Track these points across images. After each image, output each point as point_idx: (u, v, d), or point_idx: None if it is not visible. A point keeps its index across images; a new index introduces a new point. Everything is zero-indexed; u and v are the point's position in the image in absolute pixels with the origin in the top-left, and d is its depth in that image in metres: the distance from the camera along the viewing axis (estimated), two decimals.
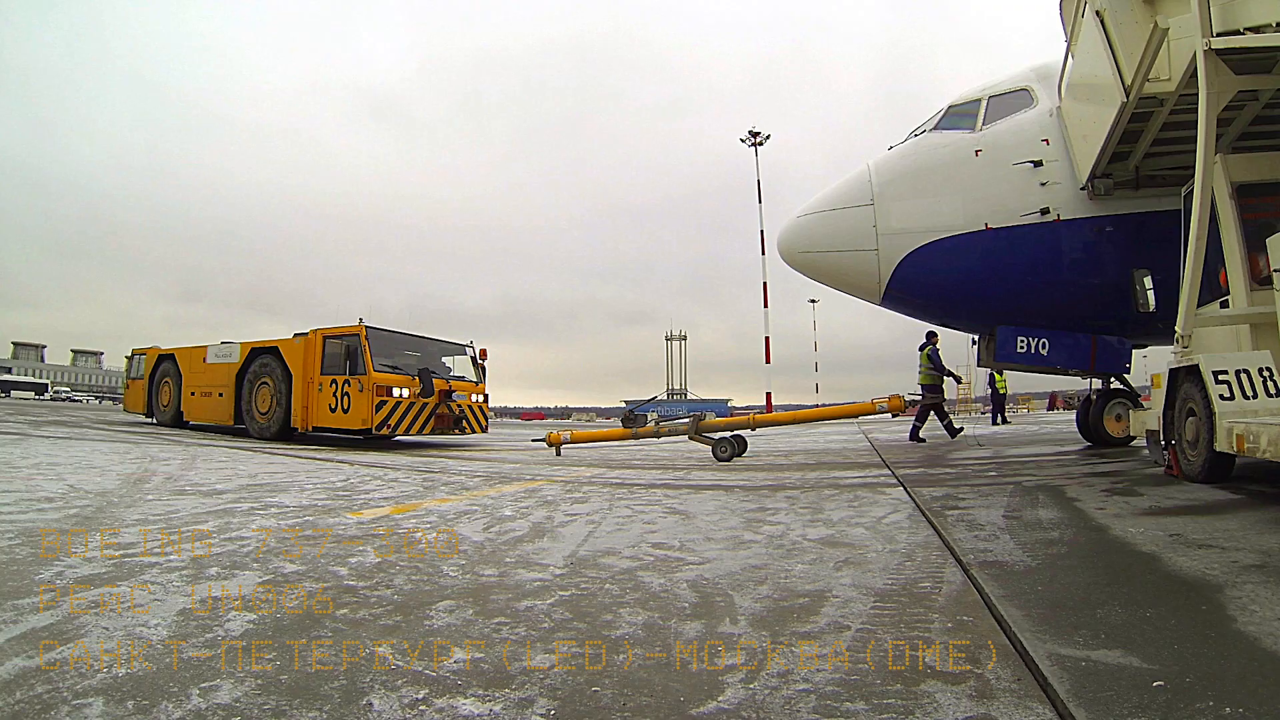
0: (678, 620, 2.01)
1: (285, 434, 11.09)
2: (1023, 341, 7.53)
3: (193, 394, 13.15)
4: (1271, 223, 4.74)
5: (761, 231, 31.45)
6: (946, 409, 10.78)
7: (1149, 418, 5.66)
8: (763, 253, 30.75)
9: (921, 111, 8.88)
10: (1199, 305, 4.86)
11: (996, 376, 15.59)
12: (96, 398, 65.15)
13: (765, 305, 31.87)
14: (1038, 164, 7.23)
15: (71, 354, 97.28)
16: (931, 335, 10.01)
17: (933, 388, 10.28)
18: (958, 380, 10.53)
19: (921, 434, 10.33)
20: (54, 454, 6.73)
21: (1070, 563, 2.59)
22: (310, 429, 11.08)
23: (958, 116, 7.79)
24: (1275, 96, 5.05)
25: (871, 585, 2.33)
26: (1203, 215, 4.57)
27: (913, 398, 8.15)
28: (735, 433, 8.26)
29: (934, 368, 10.17)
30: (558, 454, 8.81)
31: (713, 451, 7.79)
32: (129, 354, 15.86)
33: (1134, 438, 7.53)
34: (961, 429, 10.61)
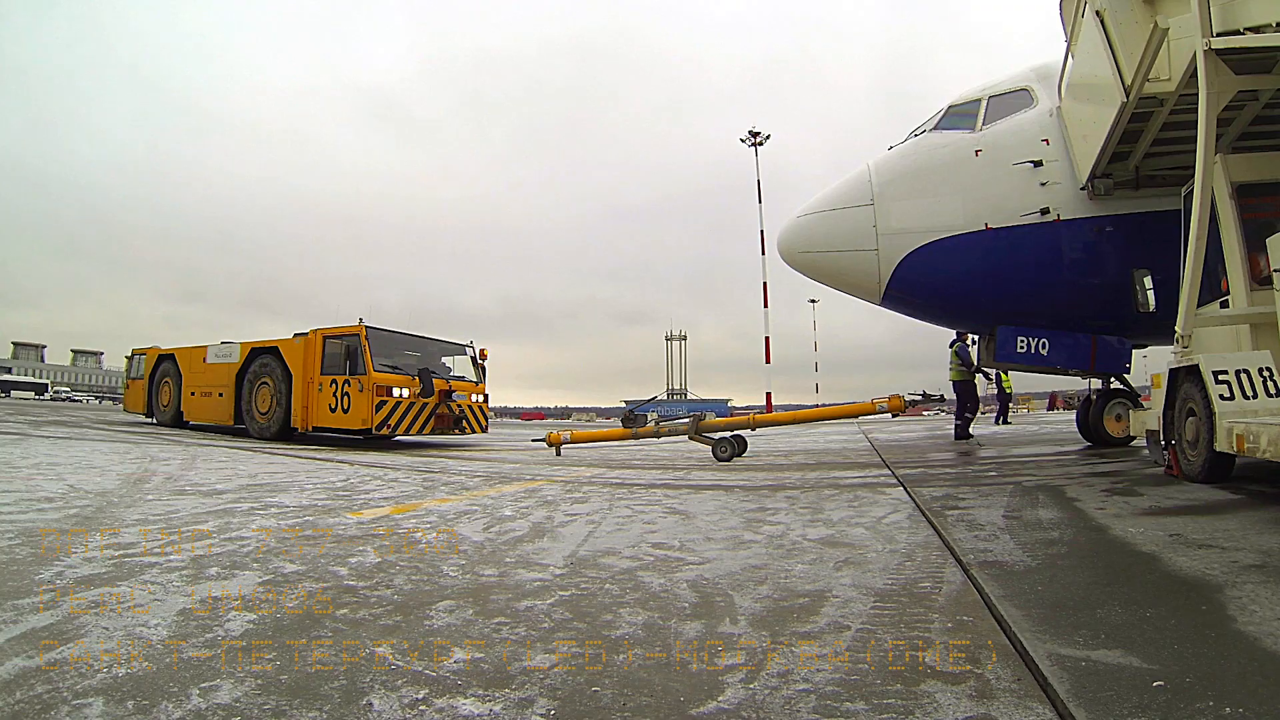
0: (678, 620, 2.01)
1: (285, 434, 11.09)
2: (1023, 341, 7.53)
3: (193, 394, 13.15)
4: (1271, 223, 4.74)
5: (761, 231, 31.49)
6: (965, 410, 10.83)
7: (1149, 418, 5.66)
8: (763, 253, 30.80)
9: (921, 111, 8.88)
10: (1199, 305, 4.86)
11: (1003, 376, 15.62)
12: (96, 398, 65.14)
13: (765, 305, 31.92)
14: (1038, 164, 7.22)
15: (71, 354, 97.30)
16: (962, 332, 10.01)
17: (964, 384, 10.34)
18: (988, 377, 10.51)
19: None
20: (54, 454, 6.73)
21: (1070, 563, 2.59)
22: (310, 429, 11.08)
23: (958, 116, 7.79)
24: (1275, 96, 5.05)
25: (871, 585, 2.33)
26: (1203, 215, 4.57)
27: (913, 398, 8.13)
28: (735, 433, 8.25)
29: (963, 364, 10.17)
30: (558, 454, 8.81)
31: (713, 451, 7.79)
32: (129, 354, 15.86)
33: (1134, 438, 7.53)
34: (970, 435, 10.67)
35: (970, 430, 10.39)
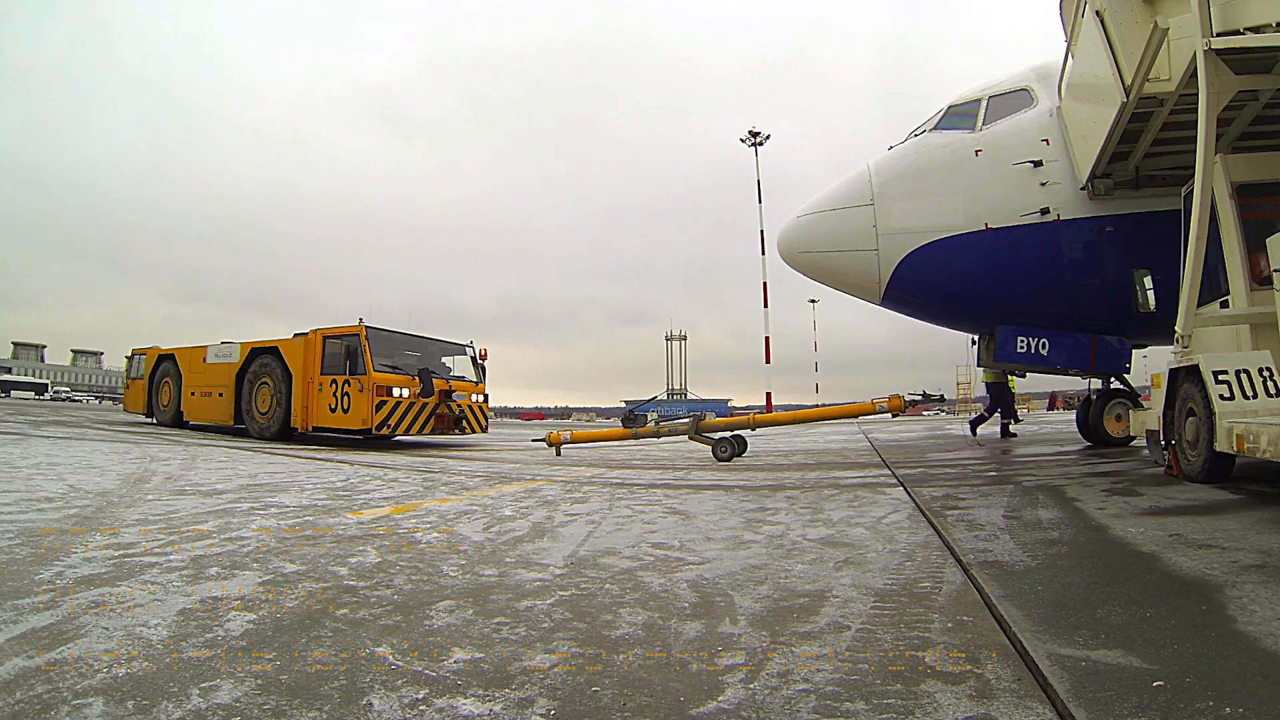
0: (678, 620, 2.01)
1: (285, 434, 11.09)
2: (1023, 341, 7.54)
3: (193, 394, 13.15)
4: (1271, 223, 4.75)
5: (761, 231, 31.53)
6: (986, 410, 11.01)
7: (1149, 418, 5.66)
8: (763, 253, 30.82)
9: (921, 111, 8.89)
10: (1199, 305, 4.86)
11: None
12: (96, 398, 65.13)
13: (765, 305, 31.93)
14: (1038, 164, 7.22)
15: (71, 354, 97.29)
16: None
17: (998, 385, 10.46)
18: (1021, 375, 10.74)
19: (1013, 429, 10.73)
20: (54, 454, 6.73)
21: (1070, 563, 2.59)
22: (310, 429, 11.08)
23: (958, 116, 7.79)
24: (1275, 96, 5.05)
25: (871, 585, 2.33)
26: (1203, 215, 4.57)
27: (912, 398, 8.13)
28: (735, 433, 8.26)
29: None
30: (558, 454, 8.81)
31: (713, 451, 7.79)
32: (129, 354, 15.87)
33: (1134, 438, 7.53)
34: (977, 437, 10.82)
35: (1011, 430, 10.69)
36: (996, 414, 11.05)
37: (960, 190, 7.47)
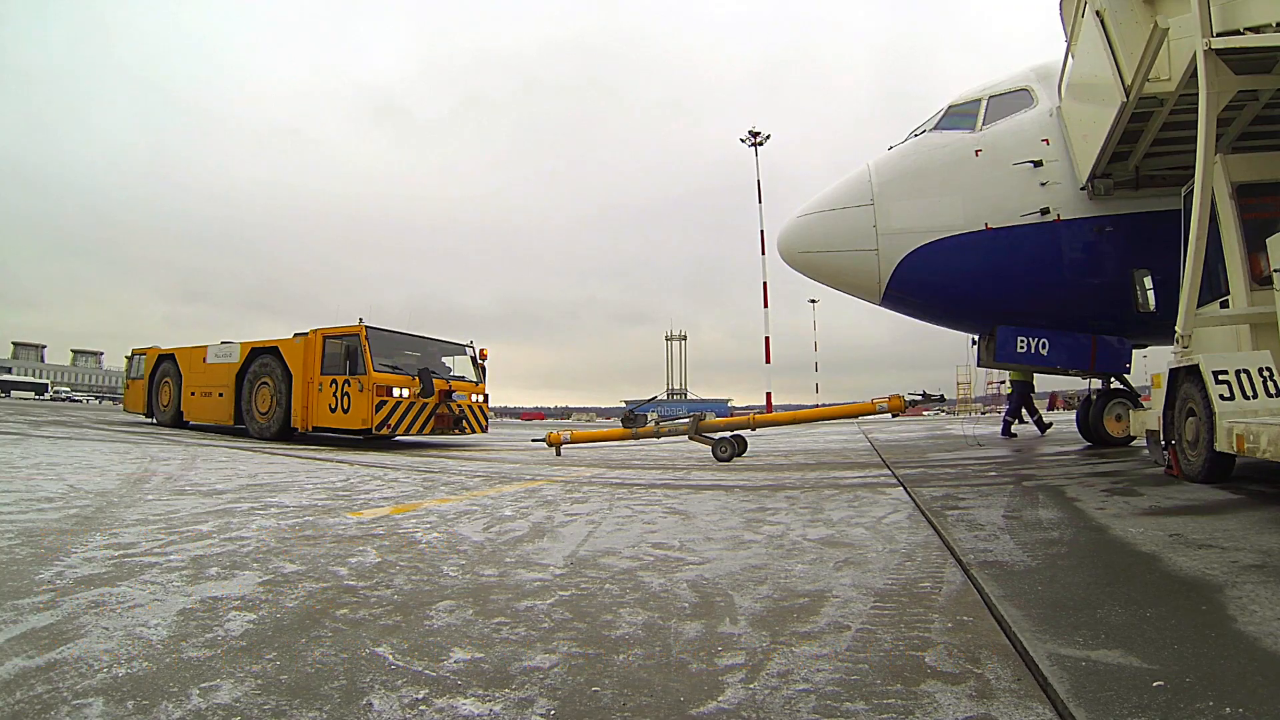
0: (678, 620, 2.00)
1: (285, 434, 11.10)
2: (1022, 341, 7.54)
3: (193, 394, 13.16)
4: (1271, 223, 4.75)
5: (761, 231, 31.61)
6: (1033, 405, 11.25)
7: (1149, 418, 5.66)
8: (763, 253, 30.90)
9: (921, 111, 8.90)
10: (1199, 305, 4.86)
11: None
12: (96, 398, 65.18)
13: (765, 305, 32.00)
14: (1038, 164, 7.23)
15: (71, 354, 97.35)
16: None
17: (1022, 383, 10.66)
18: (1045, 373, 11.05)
19: (1013, 429, 10.90)
20: (54, 454, 6.73)
21: (1070, 563, 2.59)
22: (310, 429, 11.08)
23: (958, 116, 7.80)
24: (1275, 96, 5.05)
25: (871, 585, 2.33)
26: (1203, 215, 4.57)
27: (913, 398, 8.13)
28: (735, 433, 8.26)
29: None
30: (558, 454, 8.81)
31: (713, 451, 7.79)
32: (129, 354, 15.87)
33: (1134, 438, 7.54)
34: (1050, 424, 11.06)
35: (1045, 423, 11.04)
36: (1038, 407, 11.21)
37: (960, 190, 7.47)
